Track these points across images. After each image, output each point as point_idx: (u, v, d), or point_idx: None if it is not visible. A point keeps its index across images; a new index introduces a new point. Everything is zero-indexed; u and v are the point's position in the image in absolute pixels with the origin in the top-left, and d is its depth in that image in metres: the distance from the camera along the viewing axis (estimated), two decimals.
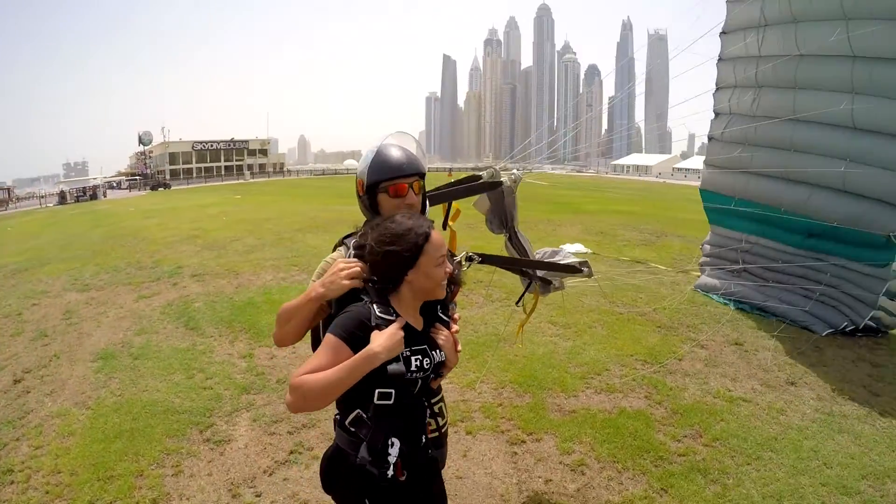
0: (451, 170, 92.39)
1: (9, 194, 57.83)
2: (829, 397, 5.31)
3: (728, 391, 5.39)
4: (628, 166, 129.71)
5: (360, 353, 1.80)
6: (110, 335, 7.09)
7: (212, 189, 55.38)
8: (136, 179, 79.07)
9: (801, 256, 7.51)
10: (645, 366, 5.97)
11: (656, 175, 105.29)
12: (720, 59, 8.69)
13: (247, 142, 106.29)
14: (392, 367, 1.85)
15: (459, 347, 2.18)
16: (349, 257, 2.11)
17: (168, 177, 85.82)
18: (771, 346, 6.54)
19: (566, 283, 3.88)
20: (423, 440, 2.05)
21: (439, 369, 2.07)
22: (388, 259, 1.93)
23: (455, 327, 2.22)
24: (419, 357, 1.96)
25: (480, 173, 3.52)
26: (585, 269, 3.58)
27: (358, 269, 1.98)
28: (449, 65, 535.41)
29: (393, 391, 1.88)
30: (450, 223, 3.11)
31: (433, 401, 2.66)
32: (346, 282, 1.96)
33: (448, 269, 2.04)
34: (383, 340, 1.83)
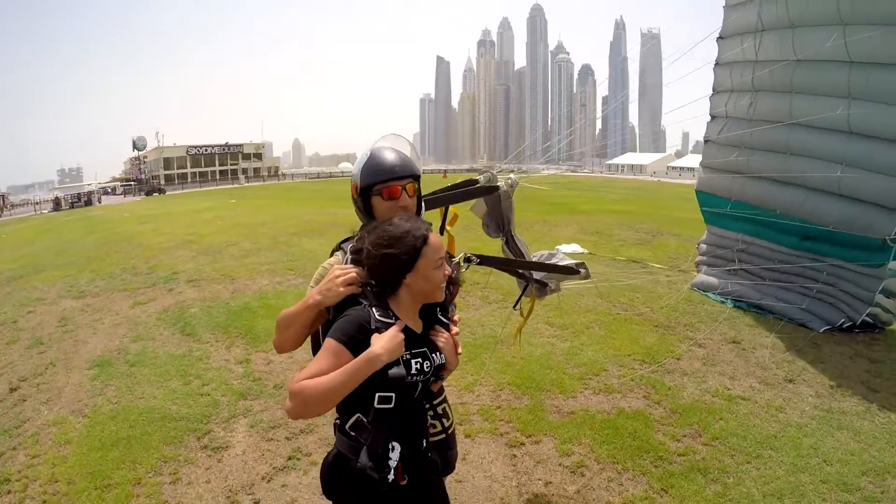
0: (445, 171, 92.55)
1: (3, 201, 57.52)
2: (827, 394, 5.31)
3: (727, 390, 5.38)
4: (623, 165, 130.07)
5: (361, 355, 1.79)
6: (106, 342, 7.05)
7: (207, 194, 55.27)
8: (130, 185, 78.91)
9: (797, 257, 7.53)
10: (643, 366, 5.97)
11: (651, 174, 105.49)
12: (717, 64, 8.74)
13: (241, 146, 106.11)
14: (393, 371, 1.84)
15: (460, 350, 2.17)
16: (346, 262, 2.10)
17: (163, 182, 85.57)
18: (769, 344, 6.54)
19: (562, 285, 3.87)
20: (425, 444, 2.04)
21: (439, 372, 2.06)
22: (386, 262, 1.92)
23: (455, 329, 2.21)
24: (419, 360, 1.95)
25: (478, 178, 3.51)
26: (583, 271, 3.58)
27: (353, 274, 1.97)
28: (442, 66, 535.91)
29: (393, 395, 1.87)
30: (447, 228, 3.10)
31: (436, 402, 2.66)
32: (342, 289, 1.96)
33: (446, 272, 2.03)
34: (384, 342, 1.82)
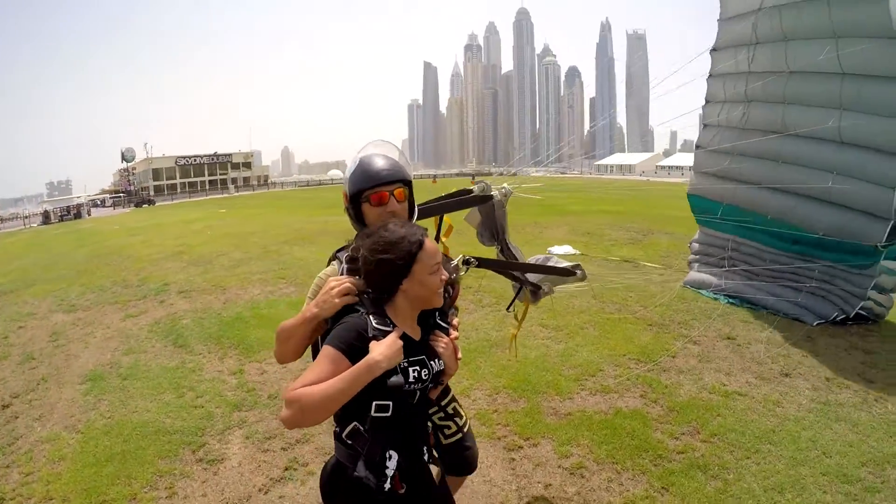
0: (435, 177, 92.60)
1: None
2: (823, 387, 5.32)
3: (723, 386, 5.38)
4: (612, 166, 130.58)
5: (360, 362, 1.77)
6: (98, 356, 6.98)
7: (196, 204, 55.09)
8: (120, 197, 78.62)
9: (789, 257, 7.59)
10: (639, 365, 5.96)
11: (640, 174, 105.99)
12: (710, 76, 8.83)
13: (230, 155, 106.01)
14: (392, 380, 1.82)
15: (459, 355, 2.16)
16: (342, 271, 2.09)
17: (152, 193, 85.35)
18: (763, 339, 6.56)
19: (557, 288, 3.87)
20: (426, 452, 2.02)
21: (439, 378, 2.04)
22: (382, 268, 1.90)
23: (454, 333, 2.20)
24: (417, 368, 1.93)
25: (472, 187, 3.52)
26: (579, 272, 3.58)
27: (348, 284, 1.96)
28: (430, 71, 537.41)
29: (390, 403, 1.85)
30: (442, 238, 3.09)
31: (444, 403, 2.67)
32: (337, 300, 1.96)
33: (443, 277, 2.01)
34: (383, 349, 1.80)
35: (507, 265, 3.70)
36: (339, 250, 2.28)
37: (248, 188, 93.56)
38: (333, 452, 2.01)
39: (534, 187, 4.51)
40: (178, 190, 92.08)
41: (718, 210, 8.59)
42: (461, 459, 2.76)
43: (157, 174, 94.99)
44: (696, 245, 9.52)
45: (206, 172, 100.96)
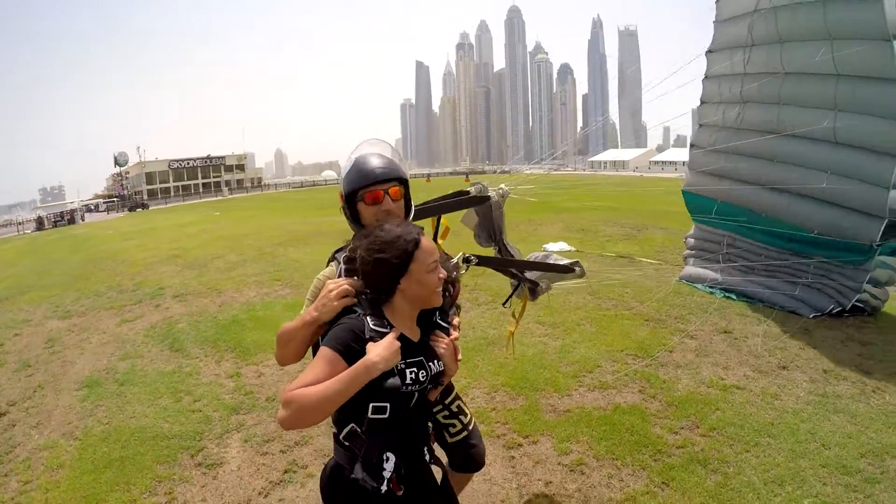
0: (429, 175, 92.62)
1: None
2: (821, 379, 5.34)
3: (721, 380, 5.39)
4: (605, 162, 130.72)
5: (357, 363, 1.76)
6: (94, 362, 6.94)
7: (190, 207, 54.90)
8: (113, 201, 78.30)
9: (784, 253, 7.62)
10: (636, 360, 5.97)
11: (633, 169, 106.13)
12: (706, 77, 8.88)
13: (223, 158, 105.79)
14: (390, 382, 1.81)
15: (460, 356, 2.15)
16: (340, 272, 2.09)
17: (146, 197, 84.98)
18: (760, 332, 6.57)
19: (555, 285, 3.86)
20: (427, 452, 2.01)
21: (438, 379, 2.03)
22: (379, 267, 1.89)
23: (455, 334, 2.19)
24: (414, 369, 1.92)
25: (469, 189, 3.51)
26: (578, 269, 3.58)
27: (346, 286, 1.95)
28: (422, 71, 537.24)
29: (388, 405, 1.84)
30: (439, 241, 3.08)
31: (448, 401, 2.67)
32: (336, 303, 1.94)
33: (442, 276, 1.99)
34: (381, 350, 1.79)
35: (507, 263, 3.70)
36: (337, 251, 2.27)
37: (241, 190, 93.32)
38: (333, 454, 2.01)
39: (531, 189, 4.51)
40: (172, 193, 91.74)
41: (713, 207, 8.63)
42: (467, 457, 2.77)
43: (150, 178, 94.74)
44: (691, 240, 9.55)
45: (200, 175, 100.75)
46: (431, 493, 2.06)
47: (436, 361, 2.01)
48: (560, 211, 22.14)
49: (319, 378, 1.73)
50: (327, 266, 2.26)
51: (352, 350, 1.80)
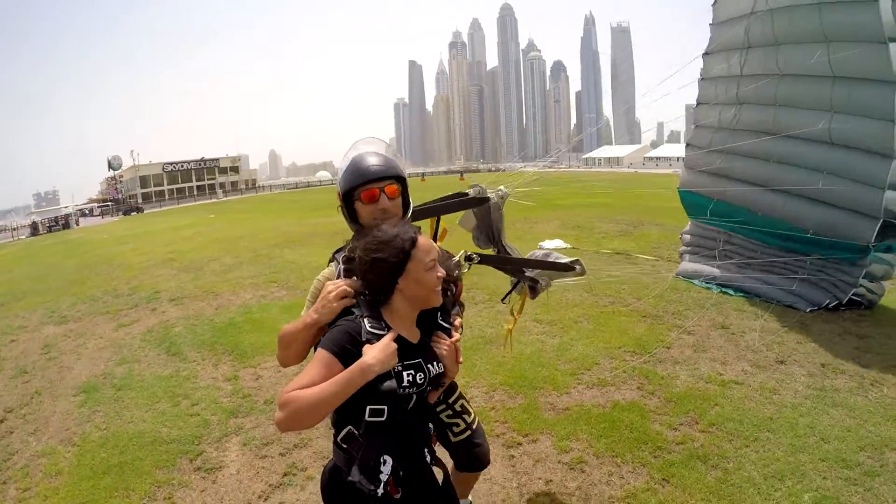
0: (423, 175, 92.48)
1: None
2: (819, 373, 5.34)
3: (719, 375, 5.40)
4: (599, 159, 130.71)
5: (353, 365, 1.75)
6: (91, 367, 6.92)
7: (185, 210, 54.79)
8: (108, 205, 78.14)
9: (779, 253, 7.64)
10: (634, 357, 5.96)
11: (628, 166, 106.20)
12: (702, 78, 8.91)
13: (217, 160, 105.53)
14: (386, 384, 1.80)
15: (461, 358, 2.13)
16: (339, 272, 2.09)
17: (140, 200, 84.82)
18: (757, 327, 6.58)
19: (555, 282, 3.86)
20: (427, 454, 2.00)
21: (438, 381, 2.02)
22: (377, 267, 1.89)
23: (456, 335, 2.17)
24: (412, 371, 1.91)
25: (468, 191, 3.51)
26: (578, 268, 3.58)
27: (345, 288, 1.94)
28: (415, 70, 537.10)
29: (385, 408, 1.83)
30: (437, 243, 3.07)
31: (451, 400, 2.66)
32: (335, 304, 1.94)
33: (440, 274, 1.98)
34: (376, 353, 1.78)
35: (508, 261, 3.70)
36: (337, 251, 2.27)
37: (236, 192, 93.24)
38: (332, 456, 2.00)
39: (531, 190, 4.51)
40: (167, 196, 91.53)
41: (709, 206, 8.65)
42: (471, 456, 2.77)
43: (144, 181, 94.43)
44: (687, 237, 9.58)
45: (194, 178, 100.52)
46: (432, 494, 2.05)
47: (435, 363, 2.00)
48: (556, 208, 22.13)
49: (315, 380, 1.73)
50: (328, 266, 2.25)
51: (348, 352, 1.79)
